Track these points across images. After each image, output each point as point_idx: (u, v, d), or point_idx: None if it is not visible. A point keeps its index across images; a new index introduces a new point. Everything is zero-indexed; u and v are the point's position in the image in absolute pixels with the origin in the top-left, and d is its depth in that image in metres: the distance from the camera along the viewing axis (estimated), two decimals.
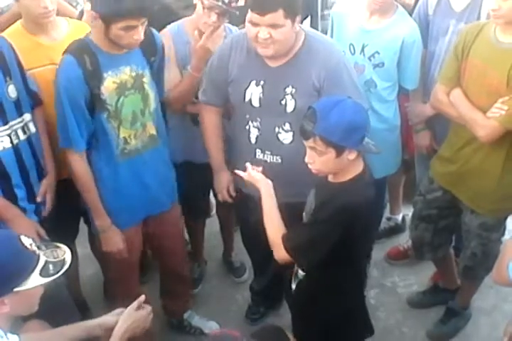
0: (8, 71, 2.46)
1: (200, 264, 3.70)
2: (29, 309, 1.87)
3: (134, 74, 2.55)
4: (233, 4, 2.73)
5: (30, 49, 2.66)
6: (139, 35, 2.39)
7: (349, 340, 2.58)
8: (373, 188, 2.23)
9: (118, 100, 2.52)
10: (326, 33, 3.18)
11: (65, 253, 1.88)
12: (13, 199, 2.51)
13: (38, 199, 2.65)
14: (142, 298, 2.23)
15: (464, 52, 2.63)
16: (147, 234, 2.91)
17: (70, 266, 1.87)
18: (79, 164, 2.54)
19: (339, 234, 2.11)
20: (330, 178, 2.25)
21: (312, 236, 2.18)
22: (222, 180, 2.90)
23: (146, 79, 2.60)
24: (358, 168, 2.19)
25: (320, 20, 3.69)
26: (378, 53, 3.02)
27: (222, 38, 2.89)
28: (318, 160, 2.13)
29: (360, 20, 3.07)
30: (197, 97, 2.91)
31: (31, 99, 2.60)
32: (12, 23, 2.80)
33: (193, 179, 3.05)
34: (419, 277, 3.66)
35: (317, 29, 3.64)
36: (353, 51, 3.07)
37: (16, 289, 1.74)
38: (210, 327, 3.31)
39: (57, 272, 1.82)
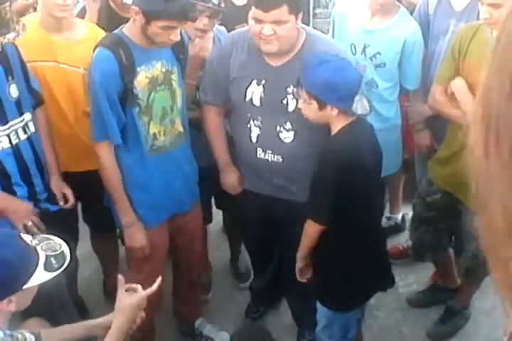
0: (11, 70, 2.45)
1: (207, 270, 3.65)
2: (26, 304, 1.87)
3: (164, 69, 2.55)
4: (222, 5, 2.73)
5: (38, 42, 2.67)
6: (176, 35, 2.40)
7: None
8: (367, 136, 2.40)
9: (149, 95, 2.52)
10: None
11: (61, 245, 1.89)
12: (12, 194, 2.50)
13: (60, 203, 2.67)
14: (121, 279, 2.14)
15: (461, 52, 2.64)
16: (170, 234, 2.88)
17: (70, 259, 1.87)
18: (109, 158, 2.53)
19: (338, 180, 2.28)
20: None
21: (320, 196, 2.35)
22: (231, 178, 2.87)
23: (175, 76, 2.61)
24: (346, 121, 2.34)
25: (312, 19, 3.68)
26: (380, 54, 3.03)
27: (211, 40, 2.89)
28: (306, 107, 2.35)
29: (361, 20, 3.07)
30: (194, 103, 2.92)
31: (33, 98, 2.60)
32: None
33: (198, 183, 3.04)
34: (419, 276, 3.66)
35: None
36: (354, 51, 3.07)
37: (24, 286, 1.76)
38: (222, 337, 3.25)
39: (61, 265, 1.84)
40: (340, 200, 2.31)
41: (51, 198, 2.69)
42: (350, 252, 2.44)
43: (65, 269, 1.84)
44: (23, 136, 2.51)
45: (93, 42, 2.57)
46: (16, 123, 2.48)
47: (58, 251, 1.86)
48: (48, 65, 2.68)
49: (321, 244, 2.46)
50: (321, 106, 2.26)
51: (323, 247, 2.47)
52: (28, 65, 2.60)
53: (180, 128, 2.68)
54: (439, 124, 3.08)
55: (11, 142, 2.46)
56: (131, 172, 2.60)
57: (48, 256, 1.82)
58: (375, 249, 2.54)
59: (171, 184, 2.70)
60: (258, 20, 2.39)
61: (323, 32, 3.08)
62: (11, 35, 2.25)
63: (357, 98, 2.28)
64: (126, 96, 2.46)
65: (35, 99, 2.61)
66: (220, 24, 2.99)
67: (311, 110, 2.32)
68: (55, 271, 1.82)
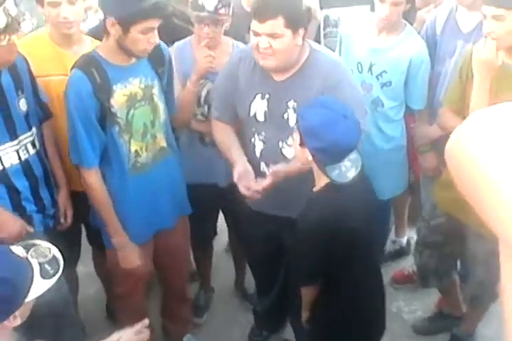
0: (21, 84, 2.47)
1: (207, 291, 3.63)
2: (27, 313, 1.84)
3: (143, 85, 2.55)
4: (221, 11, 2.75)
5: (50, 56, 2.70)
6: (155, 38, 2.40)
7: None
8: (354, 199, 2.22)
9: (128, 113, 2.50)
10: None
11: (50, 249, 1.87)
12: (21, 211, 2.50)
13: (61, 220, 2.67)
14: (146, 321, 2.16)
15: (469, 74, 2.62)
16: (155, 248, 2.87)
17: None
18: (93, 180, 2.51)
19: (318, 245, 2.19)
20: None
21: (302, 260, 2.28)
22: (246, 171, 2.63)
23: (156, 90, 2.60)
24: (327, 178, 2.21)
25: (323, 39, 3.67)
26: (386, 72, 3.03)
27: (227, 55, 2.88)
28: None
29: (367, 38, 3.10)
30: (203, 115, 2.93)
31: (42, 111, 2.61)
32: None
33: (201, 200, 3.00)
34: (424, 302, 3.61)
35: None
36: (360, 70, 3.08)
37: (26, 300, 1.74)
38: None
39: (57, 270, 1.82)
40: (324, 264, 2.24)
41: (57, 212, 2.69)
42: (345, 307, 2.35)
43: (62, 273, 1.84)
44: (32, 151, 2.51)
45: None
46: (25, 137, 2.48)
47: (50, 256, 1.84)
48: (61, 79, 2.69)
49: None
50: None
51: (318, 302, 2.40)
52: (41, 79, 2.63)
53: (163, 143, 2.67)
54: (444, 146, 3.03)
55: (20, 158, 2.46)
56: (114, 189, 2.58)
57: (41, 264, 1.81)
58: (370, 304, 2.45)
59: (155, 200, 2.68)
60: (255, 33, 2.41)
61: (333, 50, 3.08)
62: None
63: (346, 164, 2.15)
64: (104, 116, 2.45)
65: (43, 112, 2.62)
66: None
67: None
68: (53, 276, 1.81)
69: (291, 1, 2.42)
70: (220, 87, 2.72)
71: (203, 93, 2.96)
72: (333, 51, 3.02)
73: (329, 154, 2.13)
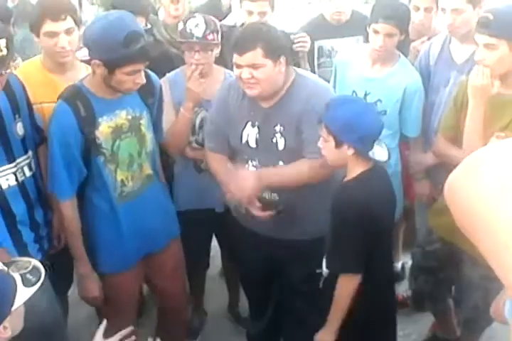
0: (18, 109, 2.49)
1: (200, 315, 3.63)
2: (20, 327, 1.86)
3: (130, 117, 2.55)
4: (210, 37, 2.81)
5: (44, 84, 2.72)
6: (141, 78, 2.41)
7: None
8: (384, 185, 2.41)
9: (114, 144, 2.51)
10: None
11: (30, 262, 1.89)
12: (18, 236, 2.50)
13: (55, 242, 2.69)
14: (132, 327, 2.19)
15: (464, 102, 2.67)
16: (147, 273, 2.88)
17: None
18: (67, 210, 2.54)
19: (357, 227, 2.26)
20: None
21: (343, 247, 2.33)
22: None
23: (144, 121, 2.61)
24: (364, 166, 2.34)
25: (317, 69, 3.73)
26: (380, 101, 3.07)
27: (219, 83, 2.92)
28: (324, 145, 2.35)
29: (362, 68, 3.14)
30: (197, 143, 2.97)
31: (38, 135, 2.64)
32: None
33: (196, 225, 3.03)
34: (418, 326, 3.61)
35: None
36: None
37: (12, 309, 1.75)
38: None
39: (39, 278, 1.84)
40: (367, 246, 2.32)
41: (51, 234, 2.70)
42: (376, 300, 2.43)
43: (44, 281, 1.86)
44: (28, 173, 2.53)
45: None
46: (22, 160, 2.50)
47: (30, 267, 1.87)
48: (53, 106, 2.71)
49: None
50: (338, 144, 2.29)
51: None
52: (34, 106, 2.64)
53: (149, 171, 2.69)
54: (438, 173, 3.09)
55: (17, 179, 2.47)
56: (103, 215, 2.60)
57: (22, 275, 1.83)
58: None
59: (145, 227, 2.69)
60: (237, 65, 2.46)
61: (327, 80, 3.13)
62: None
63: (377, 148, 2.31)
64: (88, 147, 2.46)
65: (39, 135, 2.64)
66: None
67: (328, 148, 2.33)
68: (35, 284, 1.83)
69: (268, 32, 2.47)
70: (213, 117, 2.77)
71: (197, 121, 3.00)
72: (328, 81, 3.07)
73: (367, 140, 2.27)
